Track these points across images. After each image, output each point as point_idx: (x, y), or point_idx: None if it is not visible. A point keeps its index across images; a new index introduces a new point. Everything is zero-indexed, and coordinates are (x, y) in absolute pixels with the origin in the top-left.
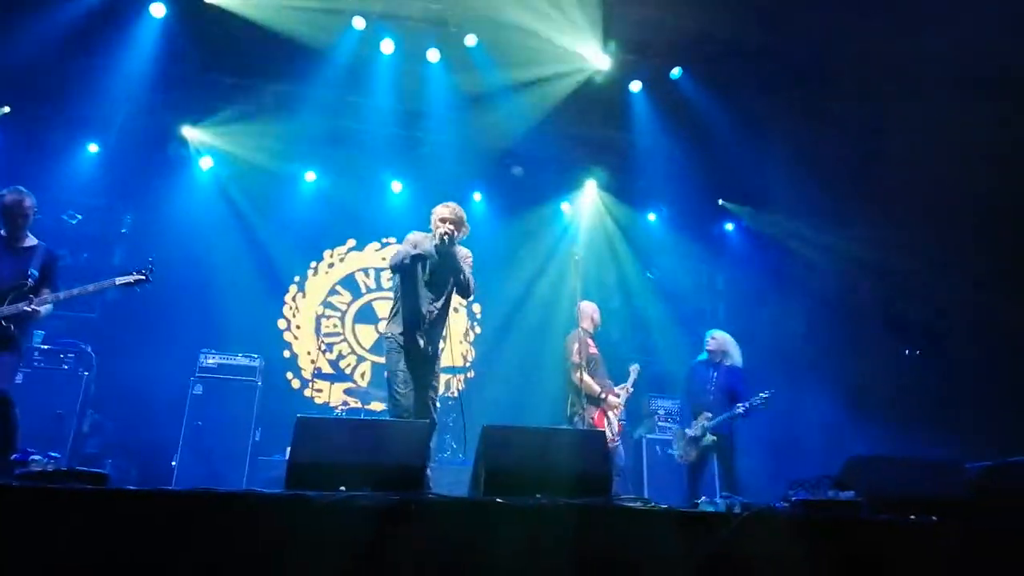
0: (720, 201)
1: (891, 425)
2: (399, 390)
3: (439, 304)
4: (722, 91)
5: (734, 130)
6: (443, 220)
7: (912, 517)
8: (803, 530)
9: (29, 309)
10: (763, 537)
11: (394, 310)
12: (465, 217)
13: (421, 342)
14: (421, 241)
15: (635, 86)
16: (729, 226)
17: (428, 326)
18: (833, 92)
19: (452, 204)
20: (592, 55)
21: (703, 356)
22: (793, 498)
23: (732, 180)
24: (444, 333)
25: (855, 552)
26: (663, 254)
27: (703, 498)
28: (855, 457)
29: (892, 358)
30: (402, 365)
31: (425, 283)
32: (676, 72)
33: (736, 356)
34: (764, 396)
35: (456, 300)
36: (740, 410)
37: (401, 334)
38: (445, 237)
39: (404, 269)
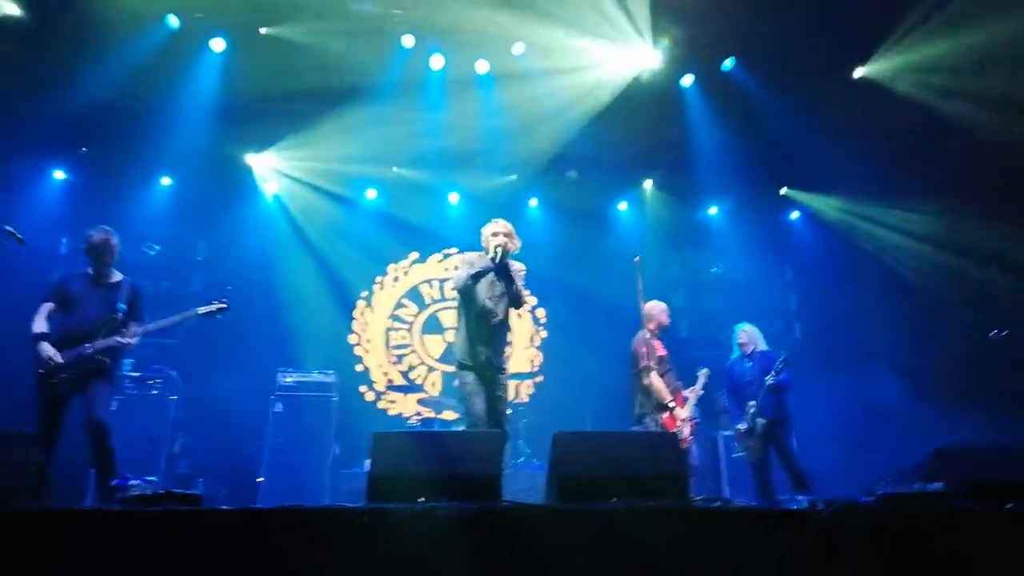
0: (783, 190)
1: (970, 413)
2: (471, 403)
3: (499, 317)
4: (776, 77)
5: (792, 116)
6: (494, 235)
7: (1009, 506)
8: (891, 525)
9: (124, 342)
10: (849, 533)
11: (459, 327)
12: (514, 231)
13: (486, 354)
14: (476, 260)
15: (687, 80)
16: (794, 214)
17: (491, 338)
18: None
19: (500, 220)
20: (641, 53)
21: (736, 353)
22: (878, 492)
23: (793, 167)
24: (508, 343)
25: (947, 545)
26: (727, 248)
27: (786, 495)
28: (942, 447)
29: (972, 343)
30: (470, 378)
31: (485, 298)
32: (728, 63)
33: (762, 343)
34: (781, 359)
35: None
36: (770, 381)
37: (467, 349)
38: (499, 250)
39: (467, 289)
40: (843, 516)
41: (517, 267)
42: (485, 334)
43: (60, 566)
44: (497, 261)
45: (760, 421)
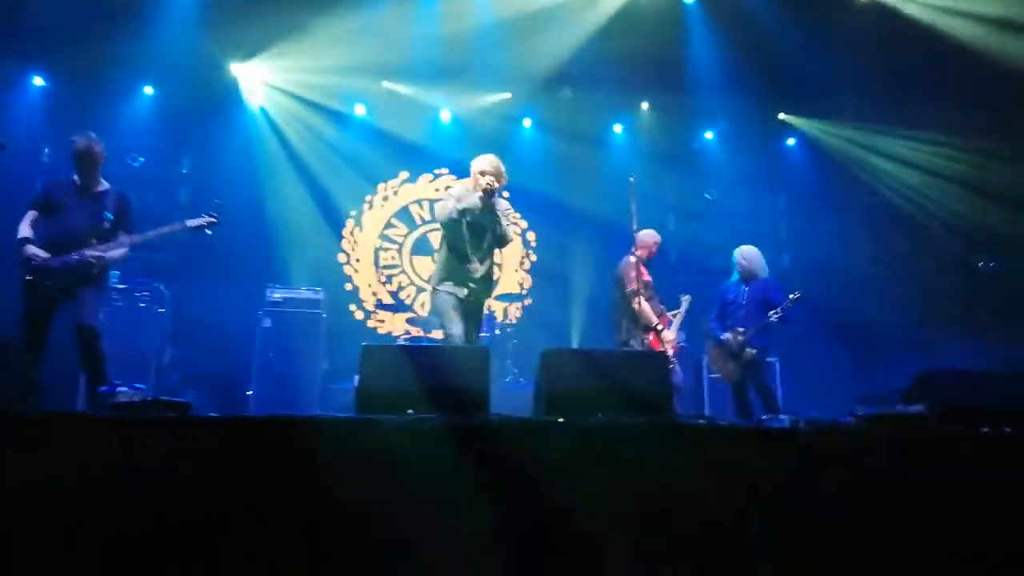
0: (781, 115)
1: (961, 339)
2: (448, 325)
3: (482, 253)
4: None
5: (795, 36)
6: (483, 173)
7: (985, 430)
8: (871, 445)
9: (113, 255)
10: (830, 453)
11: (440, 261)
12: (504, 169)
13: (468, 289)
14: (463, 195)
15: None
16: (791, 141)
17: (474, 274)
18: None
19: (490, 156)
20: None
21: (735, 276)
22: (860, 413)
23: (794, 91)
24: (489, 279)
25: (925, 466)
26: (722, 173)
27: (767, 415)
28: (923, 371)
29: (962, 270)
30: (450, 302)
31: (469, 234)
32: None
33: (765, 269)
34: (793, 297)
35: (512, 229)
36: (774, 317)
37: (446, 281)
38: (487, 189)
39: (451, 224)
40: (824, 435)
41: (504, 206)
42: (467, 269)
43: (47, 469)
44: (483, 201)
45: (750, 350)
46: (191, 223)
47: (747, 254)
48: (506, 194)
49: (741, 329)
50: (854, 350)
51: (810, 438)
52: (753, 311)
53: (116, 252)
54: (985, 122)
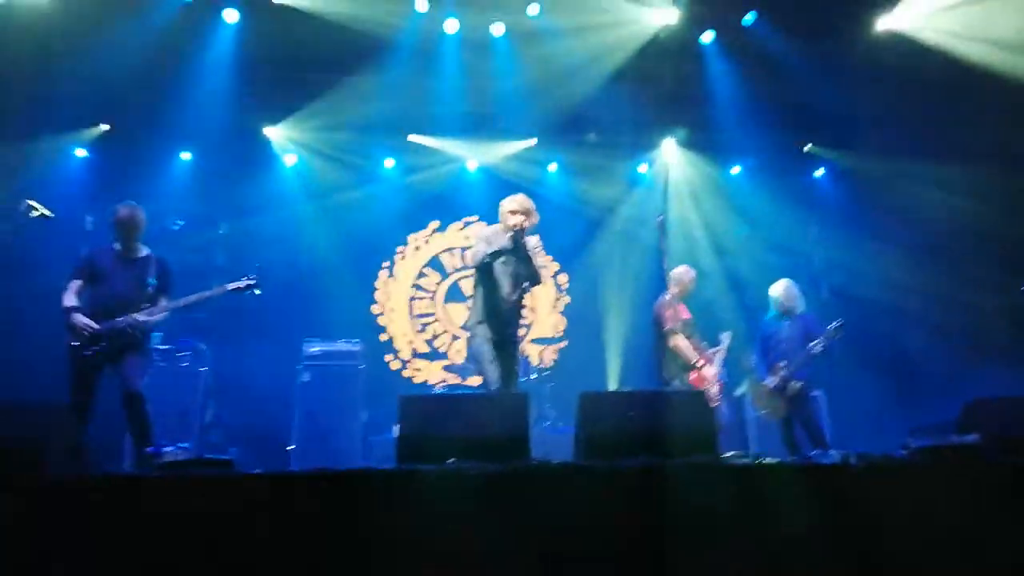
0: (807, 147)
1: (1008, 368)
2: (487, 370)
3: (516, 293)
4: (798, 30)
5: (815, 70)
6: (512, 212)
7: None
8: (925, 478)
9: (155, 319)
10: (883, 487)
11: (475, 303)
12: (534, 207)
13: (502, 330)
14: (492, 236)
15: (707, 37)
16: (819, 172)
17: (507, 315)
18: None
19: (519, 196)
20: (659, 9)
21: (772, 312)
22: (912, 445)
23: (819, 123)
24: (521, 320)
25: (982, 496)
26: (752, 207)
27: (816, 451)
28: (975, 400)
29: (1007, 296)
30: (486, 348)
31: (501, 275)
32: (749, 18)
33: (803, 303)
34: (836, 326)
35: (547, 272)
36: (817, 348)
37: (482, 324)
38: (517, 229)
39: (484, 266)
40: (876, 470)
41: (533, 243)
42: (502, 311)
43: (98, 530)
44: (514, 242)
45: (795, 384)
46: (231, 286)
47: (784, 290)
48: (536, 236)
49: (783, 363)
50: (898, 381)
51: (863, 473)
52: (795, 346)
53: (159, 317)
54: (1019, 145)
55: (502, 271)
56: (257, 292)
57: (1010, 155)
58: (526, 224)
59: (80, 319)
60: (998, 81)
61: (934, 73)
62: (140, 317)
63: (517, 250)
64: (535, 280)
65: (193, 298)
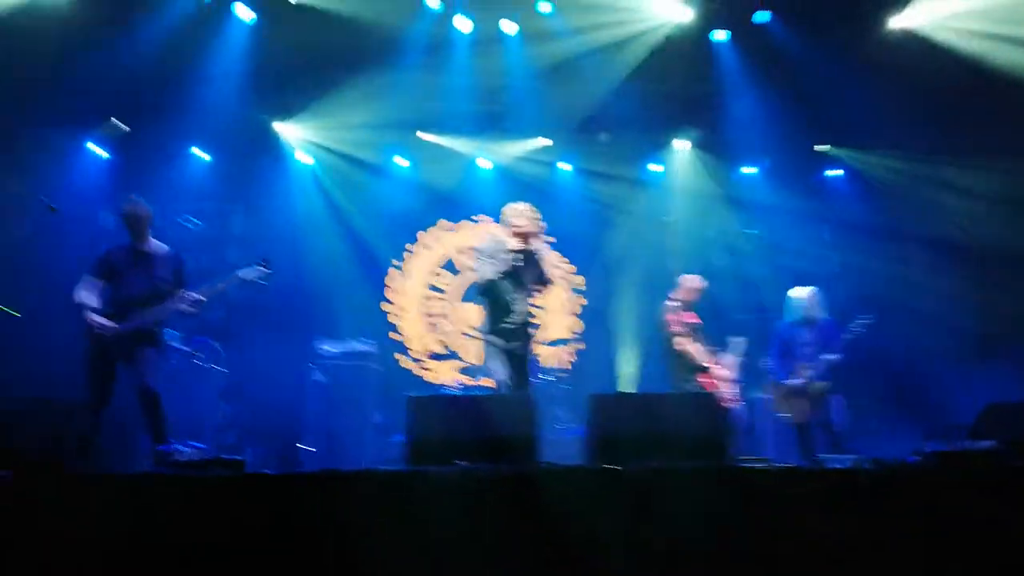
0: (816, 147)
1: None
2: (495, 370)
3: (525, 304)
4: (812, 28)
5: (830, 68)
6: (517, 227)
7: None
8: (939, 483)
9: (179, 308)
10: (896, 493)
11: (485, 315)
12: (538, 215)
13: (514, 341)
14: (494, 250)
15: (719, 36)
16: (833, 173)
17: (518, 325)
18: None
19: (521, 205)
20: (672, 8)
21: (791, 317)
22: (926, 450)
23: (833, 123)
24: (533, 328)
25: (999, 503)
26: (765, 208)
27: (830, 454)
28: (992, 404)
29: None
30: (496, 355)
31: (509, 287)
32: (763, 15)
33: (824, 309)
34: (865, 321)
35: (556, 273)
36: (849, 336)
37: (493, 334)
38: (520, 255)
39: (490, 287)
40: (891, 475)
41: (542, 247)
42: (512, 322)
43: (108, 527)
44: (520, 252)
45: (820, 384)
46: (242, 274)
47: (809, 297)
48: (551, 239)
49: (807, 365)
50: (912, 384)
51: (876, 478)
52: (818, 350)
53: (181, 308)
54: None
55: (510, 284)
56: (266, 276)
57: None
58: (529, 240)
59: (98, 319)
60: (1014, 80)
61: (949, 72)
62: (156, 313)
63: (523, 258)
64: (545, 283)
65: (206, 290)
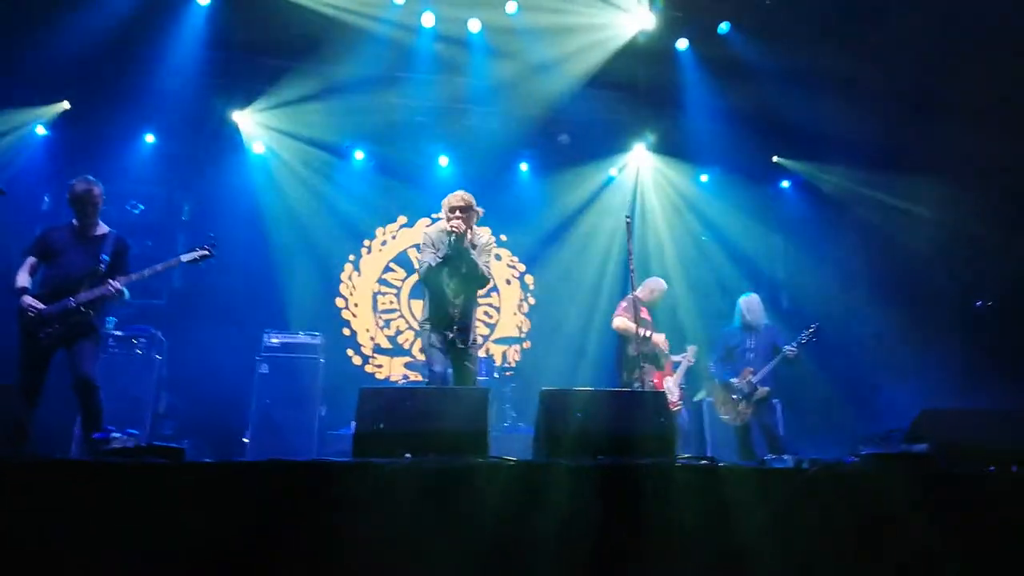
0: (775, 158)
1: (959, 380)
2: (431, 362)
3: (464, 295)
4: (771, 42)
5: (786, 82)
6: (451, 211)
7: (991, 468)
8: (875, 484)
9: (110, 291)
10: (834, 493)
11: (424, 306)
12: (474, 202)
13: (452, 333)
14: (437, 238)
15: (681, 44)
16: (785, 183)
17: (457, 317)
18: (885, 29)
19: (459, 192)
20: (636, 14)
21: (736, 323)
22: (863, 452)
23: (787, 135)
24: (474, 321)
25: (930, 505)
26: (718, 214)
27: (769, 455)
28: (927, 410)
29: (959, 310)
30: (434, 339)
31: (446, 277)
32: (724, 27)
33: (765, 317)
34: (811, 330)
35: (508, 272)
36: (790, 352)
37: (432, 327)
38: (454, 233)
39: (430, 274)
40: (827, 476)
41: (483, 241)
42: (449, 314)
43: (37, 515)
44: (453, 244)
45: (763, 389)
46: (185, 257)
47: (751, 305)
48: (503, 237)
49: (751, 369)
50: (853, 389)
51: (814, 478)
52: (763, 355)
53: (106, 292)
54: (981, 160)
55: (448, 273)
56: (208, 260)
57: (973, 170)
58: (462, 227)
59: (27, 300)
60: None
61: (905, 90)
62: (89, 294)
63: (459, 252)
64: (481, 281)
65: (146, 272)
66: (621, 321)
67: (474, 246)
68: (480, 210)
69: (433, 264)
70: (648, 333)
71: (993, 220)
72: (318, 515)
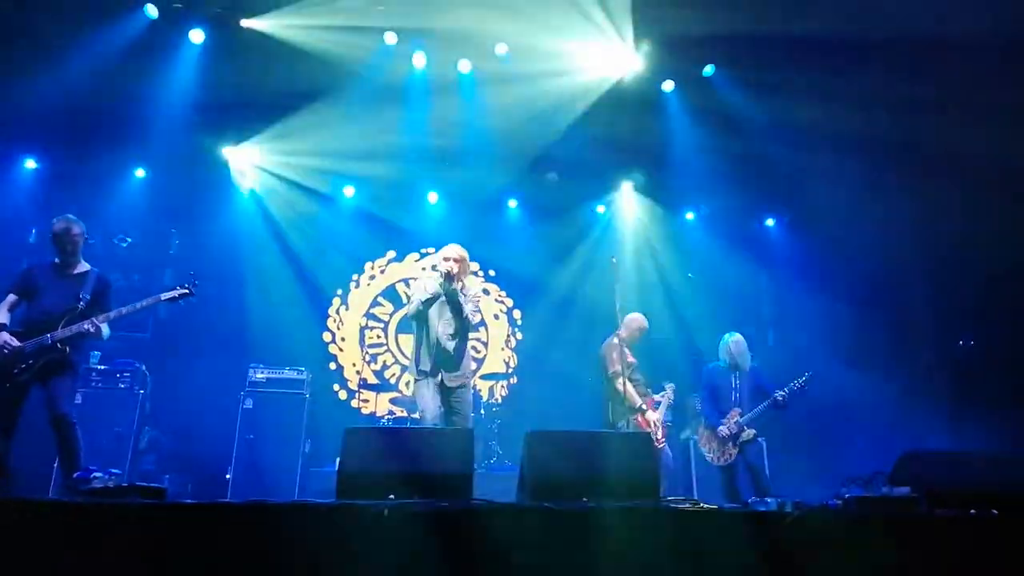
0: (759, 198)
1: (946, 421)
2: (423, 409)
3: (454, 338)
4: (755, 85)
5: (771, 123)
6: (445, 259)
7: (972, 512)
8: (858, 528)
9: (86, 329)
10: (817, 536)
11: (416, 348)
12: (467, 256)
13: (442, 375)
14: (429, 283)
15: (667, 86)
16: (770, 222)
17: (447, 359)
18: (864, 67)
19: (454, 245)
20: (623, 57)
21: (722, 362)
22: (846, 495)
23: (772, 176)
24: (464, 362)
25: (913, 549)
26: (703, 253)
27: (752, 498)
28: (909, 452)
29: (945, 349)
30: (424, 387)
31: (435, 318)
32: (709, 69)
33: (749, 358)
34: (803, 379)
35: (496, 307)
36: (780, 397)
37: (422, 369)
38: (447, 273)
39: (419, 315)
40: (811, 519)
41: (473, 292)
42: (439, 355)
43: (16, 557)
44: (444, 286)
45: (750, 431)
46: (165, 296)
47: (738, 346)
48: (480, 281)
49: (739, 411)
50: (836, 430)
51: (797, 521)
52: (749, 396)
53: (88, 330)
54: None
55: (436, 314)
56: (188, 299)
57: (950, 212)
58: (455, 270)
59: (3, 336)
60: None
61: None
62: (66, 332)
63: (449, 295)
64: (466, 327)
65: (125, 309)
66: (622, 386)
67: (464, 294)
68: (470, 266)
69: (422, 303)
70: (645, 406)
71: (976, 256)
72: (299, 559)
